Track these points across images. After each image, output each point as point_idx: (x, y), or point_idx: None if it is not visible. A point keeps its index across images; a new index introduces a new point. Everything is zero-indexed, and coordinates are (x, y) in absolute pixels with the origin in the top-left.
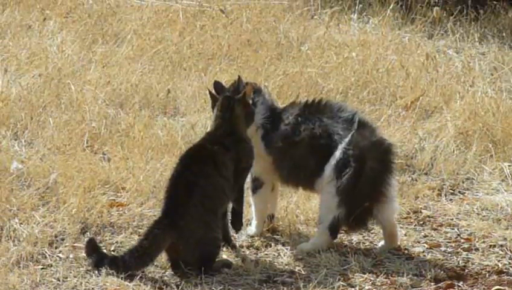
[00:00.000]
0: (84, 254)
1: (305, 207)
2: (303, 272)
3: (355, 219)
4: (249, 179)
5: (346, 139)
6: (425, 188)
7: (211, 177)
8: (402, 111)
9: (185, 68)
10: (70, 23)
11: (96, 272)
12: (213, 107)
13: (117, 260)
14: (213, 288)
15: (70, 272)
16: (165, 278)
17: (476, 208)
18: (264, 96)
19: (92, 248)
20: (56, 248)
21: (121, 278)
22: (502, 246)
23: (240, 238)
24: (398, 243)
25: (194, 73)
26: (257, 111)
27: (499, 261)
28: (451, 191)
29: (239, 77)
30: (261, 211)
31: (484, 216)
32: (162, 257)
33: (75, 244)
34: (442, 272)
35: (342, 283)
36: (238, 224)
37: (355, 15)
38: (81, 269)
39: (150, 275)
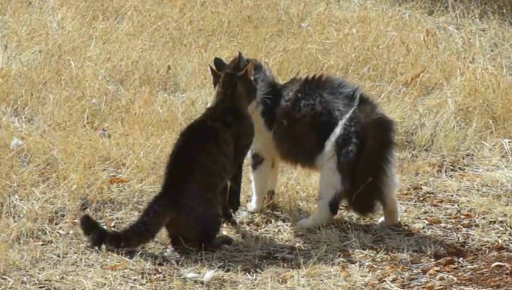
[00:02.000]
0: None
1: (305, 183)
2: (303, 248)
3: (359, 198)
4: (249, 155)
5: (347, 115)
6: (425, 165)
7: (212, 154)
8: (402, 87)
9: (185, 44)
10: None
11: (97, 248)
12: (214, 84)
13: (118, 236)
14: (213, 264)
15: (71, 248)
16: (165, 254)
17: (476, 184)
18: (265, 72)
19: (90, 225)
20: (56, 224)
21: (121, 254)
22: (501, 222)
23: (240, 214)
24: (398, 219)
25: (194, 49)
26: (258, 88)
27: (498, 237)
28: (451, 167)
29: (240, 53)
30: (261, 187)
31: (484, 192)
32: (163, 233)
33: (75, 221)
34: (442, 248)
35: (342, 259)
36: (235, 203)
37: None
38: (81, 245)
39: (150, 251)
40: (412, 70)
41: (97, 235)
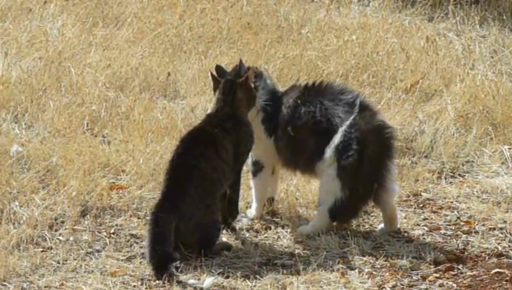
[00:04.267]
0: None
1: (305, 190)
2: (303, 255)
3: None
4: (249, 163)
5: (347, 122)
6: (425, 171)
7: (211, 160)
8: (402, 94)
9: (185, 51)
10: (71, 6)
11: (96, 254)
12: (214, 90)
13: (169, 257)
14: (213, 271)
15: (70, 255)
16: None
17: (476, 191)
18: (265, 80)
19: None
20: (56, 230)
21: (121, 260)
22: (501, 229)
23: (240, 221)
24: (398, 226)
25: (194, 56)
26: (258, 95)
27: (498, 244)
28: (451, 174)
29: (240, 60)
30: (261, 194)
31: (484, 199)
32: None
33: (75, 227)
34: (441, 254)
35: (341, 265)
36: (234, 212)
37: None
38: (81, 251)
39: None
40: (411, 77)
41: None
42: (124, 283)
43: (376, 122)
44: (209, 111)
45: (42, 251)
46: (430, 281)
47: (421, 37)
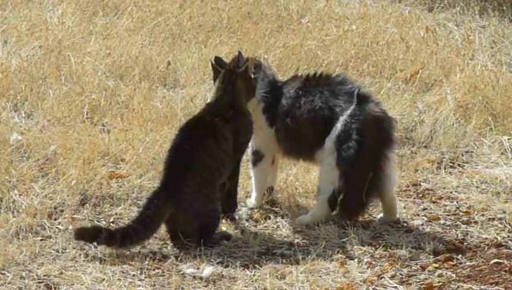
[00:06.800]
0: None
1: (304, 179)
2: (302, 244)
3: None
4: (249, 152)
5: (348, 112)
6: (424, 161)
7: (210, 149)
8: (402, 84)
9: (185, 40)
10: None
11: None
12: (214, 80)
13: (128, 231)
14: (212, 260)
15: (69, 244)
16: (164, 250)
17: (475, 181)
18: (265, 71)
19: (93, 233)
20: (55, 219)
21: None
22: (500, 219)
23: (239, 210)
24: (397, 215)
25: (194, 45)
26: (258, 87)
27: (497, 234)
28: (450, 164)
29: (239, 52)
30: (260, 184)
31: (483, 189)
32: (162, 229)
33: (74, 216)
34: (441, 245)
35: (340, 255)
36: (232, 205)
37: None
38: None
39: (149, 246)
40: (411, 67)
41: (107, 236)
42: (123, 272)
43: (376, 113)
44: (208, 100)
45: (41, 240)
46: (429, 271)
47: (420, 27)
